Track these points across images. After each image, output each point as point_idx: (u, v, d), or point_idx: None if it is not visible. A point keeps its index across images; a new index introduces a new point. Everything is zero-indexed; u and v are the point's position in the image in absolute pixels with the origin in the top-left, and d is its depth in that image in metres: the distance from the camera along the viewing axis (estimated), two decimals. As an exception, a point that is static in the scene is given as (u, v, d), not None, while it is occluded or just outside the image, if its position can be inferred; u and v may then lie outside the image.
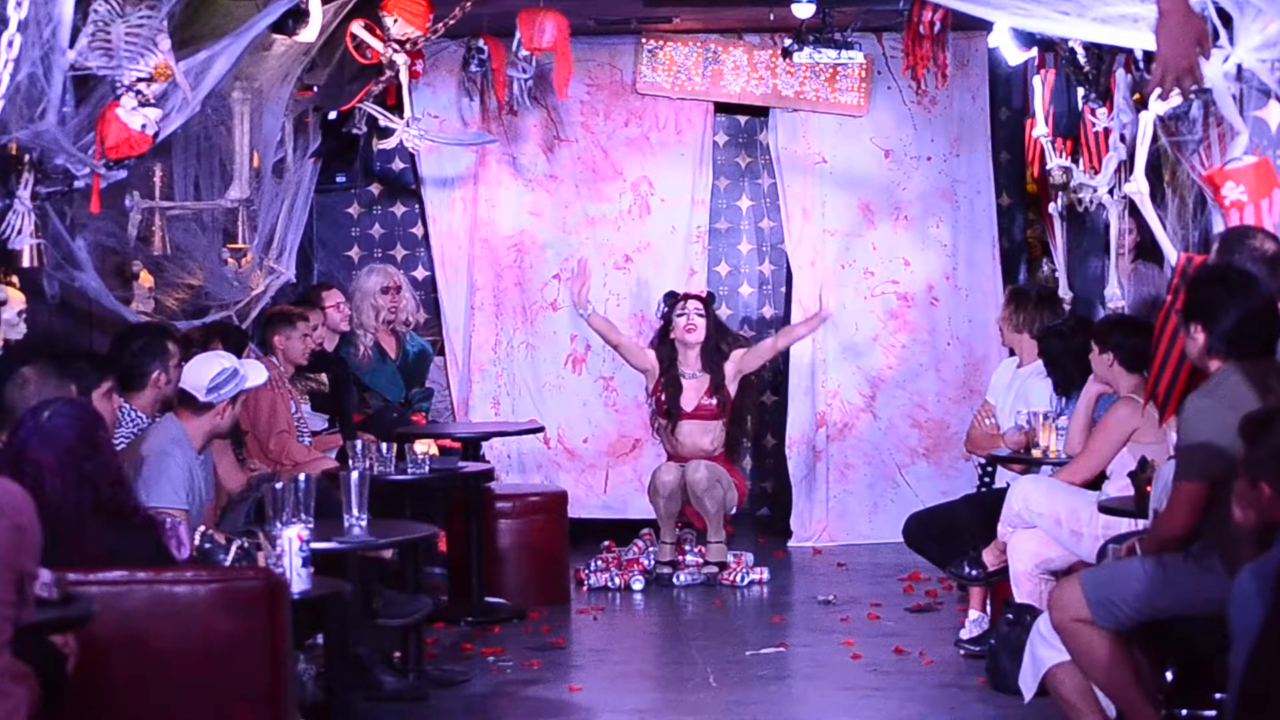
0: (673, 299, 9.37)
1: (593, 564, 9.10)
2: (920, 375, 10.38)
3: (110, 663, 4.65)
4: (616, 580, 8.97)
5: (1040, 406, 7.47)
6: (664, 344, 9.30)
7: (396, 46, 7.95)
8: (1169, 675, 5.30)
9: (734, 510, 9.28)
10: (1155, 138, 7.03)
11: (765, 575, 9.10)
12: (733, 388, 9.31)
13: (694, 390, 9.21)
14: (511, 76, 9.59)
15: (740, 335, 9.89)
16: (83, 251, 6.45)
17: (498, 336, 10.50)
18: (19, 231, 5.54)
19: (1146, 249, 8.29)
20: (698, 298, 9.38)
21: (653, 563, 9.13)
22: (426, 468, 7.68)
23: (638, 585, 8.95)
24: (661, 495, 9.02)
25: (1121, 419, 6.66)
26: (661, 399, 9.25)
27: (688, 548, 9.19)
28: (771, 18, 9.81)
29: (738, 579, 8.98)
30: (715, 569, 9.04)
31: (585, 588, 8.95)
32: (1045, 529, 6.75)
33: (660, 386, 9.25)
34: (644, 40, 10.37)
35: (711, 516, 9.01)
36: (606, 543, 9.40)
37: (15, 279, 5.75)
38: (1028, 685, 5.45)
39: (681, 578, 9.02)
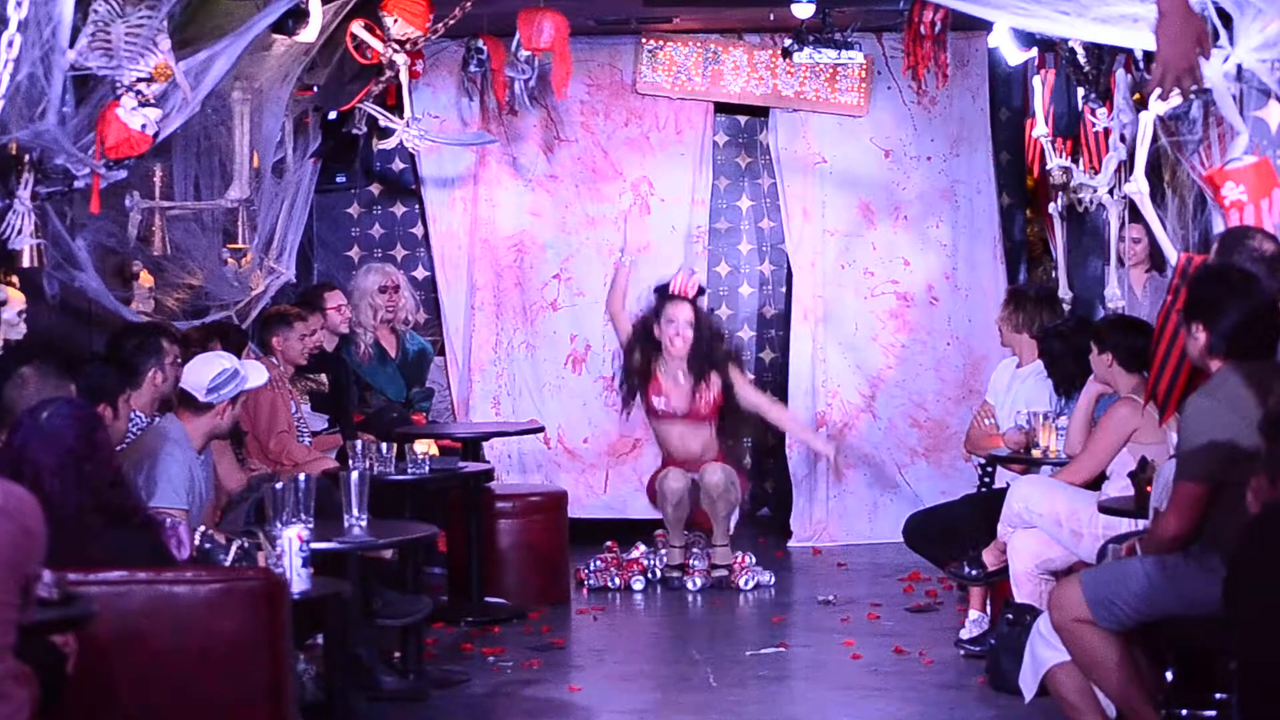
0: (662, 298, 9.10)
1: (592, 564, 9.09)
2: (920, 375, 10.38)
3: (110, 663, 4.64)
4: (616, 580, 8.97)
5: (1040, 406, 7.48)
6: (647, 337, 9.05)
7: (396, 46, 7.95)
8: (1169, 675, 5.30)
9: (738, 501, 9.11)
10: (1155, 138, 7.04)
11: (771, 579, 9.00)
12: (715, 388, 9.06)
13: (680, 394, 9.05)
14: (511, 77, 9.59)
15: (730, 338, 9.61)
16: (83, 251, 6.46)
17: (498, 336, 10.50)
18: (19, 231, 5.54)
19: (1160, 260, 8.28)
20: (690, 302, 9.06)
21: (661, 564, 9.04)
22: (426, 468, 7.68)
23: (638, 585, 8.95)
24: (670, 502, 8.90)
25: (1121, 419, 6.66)
26: (626, 384, 9.10)
27: (695, 550, 9.10)
28: (771, 18, 9.81)
29: (743, 581, 8.90)
30: (725, 571, 8.95)
31: (585, 588, 8.94)
32: (1045, 529, 6.75)
33: (630, 367, 9.06)
34: (644, 40, 10.37)
35: (720, 520, 8.93)
36: (609, 543, 9.37)
37: (15, 279, 5.75)
38: (1028, 685, 5.45)
39: (695, 582, 8.90)
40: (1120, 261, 8.28)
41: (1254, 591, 3.78)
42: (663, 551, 9.12)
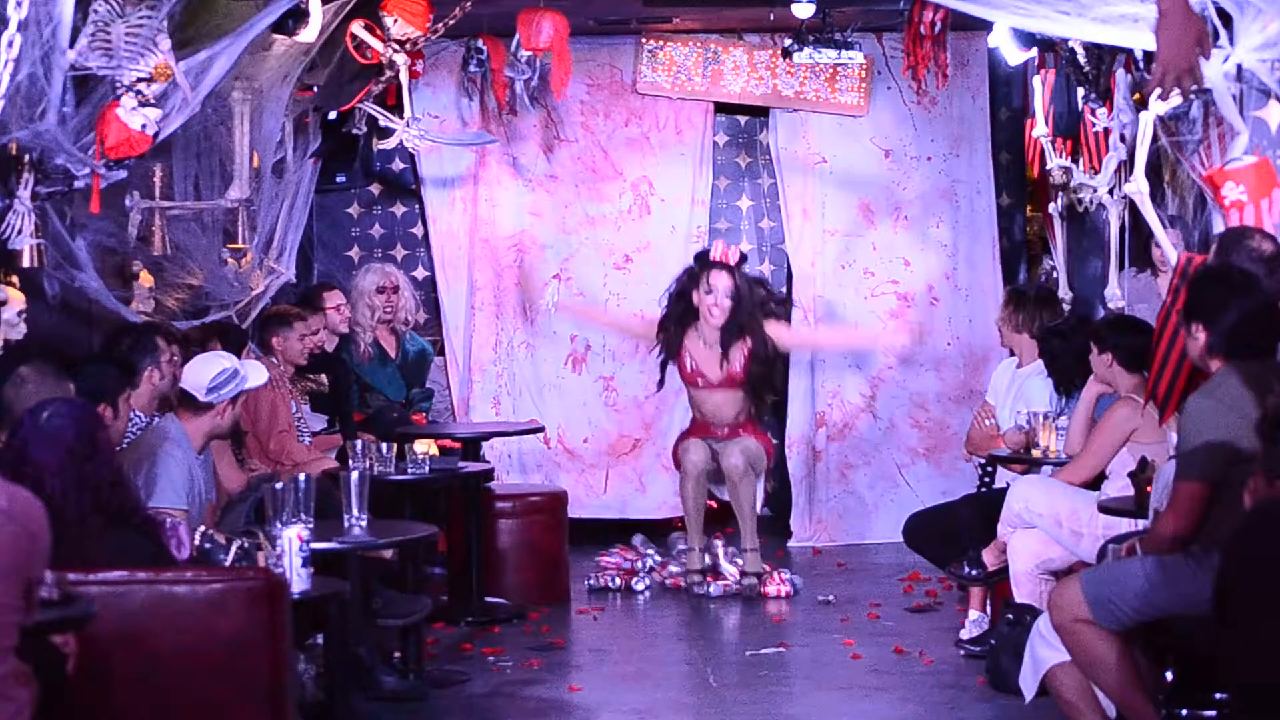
0: (703, 265, 8.81)
1: (604, 559, 9.00)
2: (920, 375, 10.39)
3: (110, 663, 4.64)
4: (617, 581, 8.93)
5: (1040, 406, 7.48)
6: (679, 300, 8.84)
7: (396, 46, 7.95)
8: (1169, 675, 5.30)
9: (763, 471, 8.90)
10: (1155, 138, 7.03)
11: (797, 584, 8.81)
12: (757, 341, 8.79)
13: (712, 361, 8.81)
14: (511, 77, 9.59)
15: (772, 294, 9.16)
16: (83, 251, 6.45)
17: (498, 336, 10.50)
18: (19, 231, 5.54)
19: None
20: (731, 271, 8.76)
21: (681, 568, 8.84)
22: (426, 468, 7.67)
23: (639, 586, 8.93)
24: (691, 476, 8.69)
25: (1121, 419, 6.66)
26: (662, 351, 8.85)
27: (723, 557, 8.88)
28: (771, 18, 9.81)
29: (781, 590, 8.68)
30: (755, 580, 8.70)
31: (587, 587, 8.89)
32: (1045, 529, 6.75)
33: (662, 344, 8.84)
34: (644, 40, 10.37)
35: (745, 516, 8.71)
36: (640, 537, 9.19)
37: (15, 279, 5.75)
38: (1028, 685, 5.45)
39: (715, 589, 8.70)
40: (1122, 264, 8.28)
41: (1248, 587, 3.78)
42: (681, 554, 8.97)
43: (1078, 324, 7.59)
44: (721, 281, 8.75)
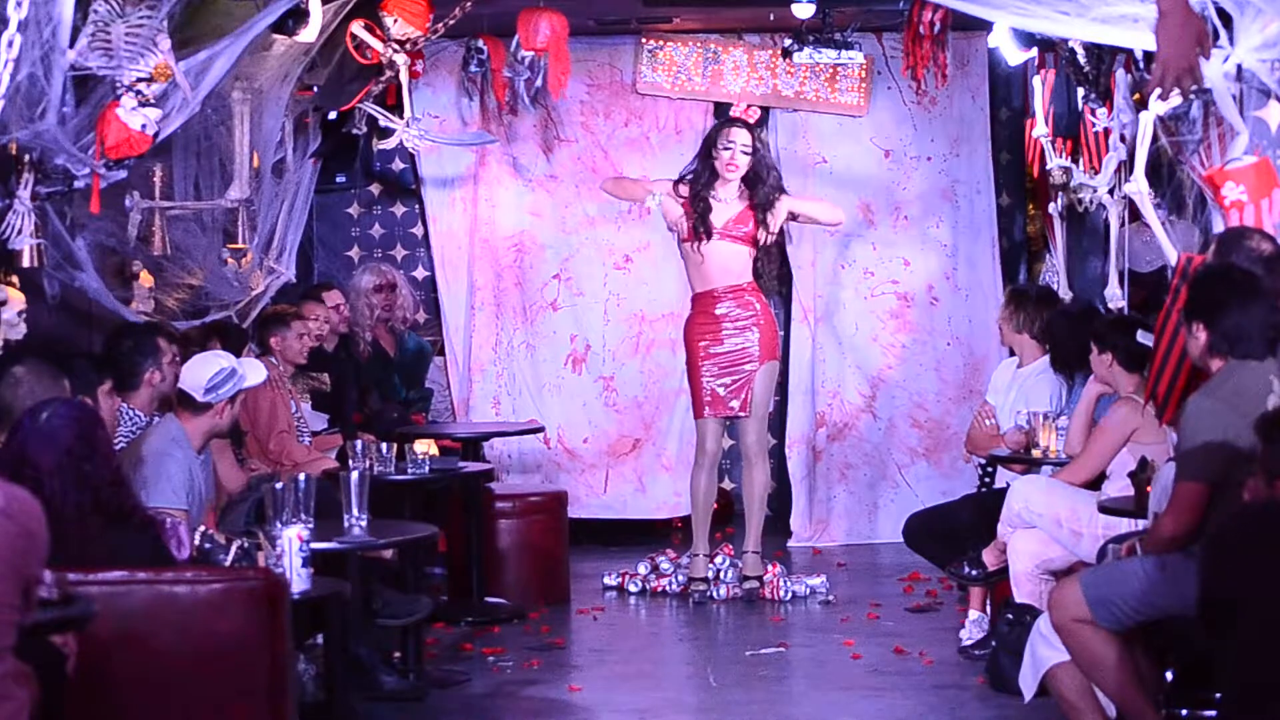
0: (722, 122, 8.86)
1: (640, 566, 8.96)
2: (920, 375, 10.38)
3: (110, 663, 4.64)
4: (637, 584, 8.87)
5: (1040, 406, 7.48)
6: (704, 162, 8.70)
7: (396, 46, 7.95)
8: (1169, 675, 5.30)
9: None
10: (1155, 138, 7.03)
11: (824, 586, 8.69)
12: (776, 223, 8.71)
13: (726, 211, 8.66)
14: (511, 77, 9.59)
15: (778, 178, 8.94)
16: (83, 251, 6.46)
17: (498, 336, 10.50)
18: (19, 231, 5.54)
19: None
20: (746, 126, 8.80)
21: (684, 579, 8.75)
22: (426, 468, 7.68)
23: (633, 588, 8.90)
24: (704, 468, 8.57)
25: (1121, 419, 6.66)
26: (690, 225, 8.69)
27: (720, 559, 8.79)
28: (771, 18, 9.81)
29: (781, 593, 8.60)
30: (755, 584, 8.61)
31: (622, 584, 8.85)
32: (1045, 529, 6.75)
33: (689, 213, 8.68)
34: (644, 40, 10.37)
35: (754, 508, 8.64)
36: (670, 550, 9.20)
37: (15, 279, 5.75)
38: (1028, 685, 5.45)
39: (719, 593, 8.61)
40: (1121, 264, 8.28)
41: (1230, 589, 3.79)
42: (684, 560, 8.90)
43: (1085, 308, 7.61)
44: (740, 137, 8.67)
